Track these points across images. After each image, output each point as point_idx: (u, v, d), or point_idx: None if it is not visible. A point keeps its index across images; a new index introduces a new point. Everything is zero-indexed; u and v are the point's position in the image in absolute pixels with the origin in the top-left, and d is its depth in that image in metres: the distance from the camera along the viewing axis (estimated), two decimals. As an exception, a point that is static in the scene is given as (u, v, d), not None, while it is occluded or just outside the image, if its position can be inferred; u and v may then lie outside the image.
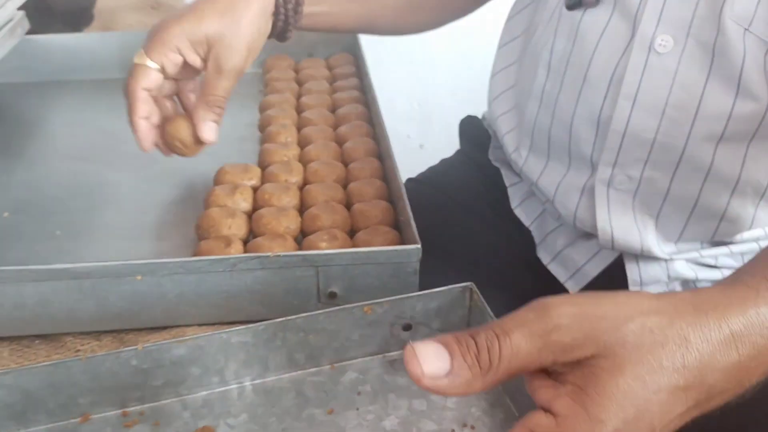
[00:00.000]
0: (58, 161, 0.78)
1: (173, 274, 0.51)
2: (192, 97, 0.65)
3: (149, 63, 0.59)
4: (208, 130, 0.62)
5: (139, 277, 0.51)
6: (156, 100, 0.62)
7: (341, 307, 0.49)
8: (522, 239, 0.75)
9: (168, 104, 0.64)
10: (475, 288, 0.51)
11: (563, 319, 0.32)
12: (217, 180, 0.69)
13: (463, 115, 0.91)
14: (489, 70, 0.80)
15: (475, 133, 0.85)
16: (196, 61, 0.60)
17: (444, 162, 0.91)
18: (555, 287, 0.73)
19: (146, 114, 0.60)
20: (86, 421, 0.47)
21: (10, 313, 0.52)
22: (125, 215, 0.68)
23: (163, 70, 0.60)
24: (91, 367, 0.45)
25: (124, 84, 0.60)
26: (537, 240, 0.74)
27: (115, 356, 0.45)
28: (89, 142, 0.81)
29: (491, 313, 0.49)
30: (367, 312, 0.50)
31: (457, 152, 0.91)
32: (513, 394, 0.48)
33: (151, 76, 0.59)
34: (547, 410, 0.32)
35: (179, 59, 0.60)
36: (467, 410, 0.48)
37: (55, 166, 0.77)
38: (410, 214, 0.56)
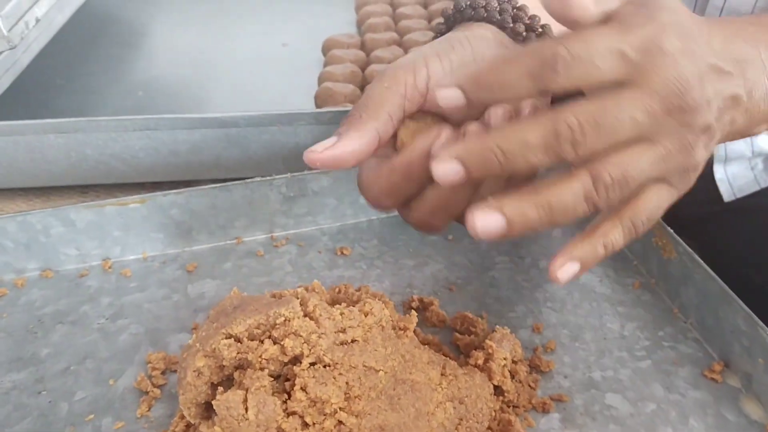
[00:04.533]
0: (174, 53, 0.85)
1: (308, 124, 0.58)
2: None
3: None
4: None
5: (278, 127, 0.58)
6: None
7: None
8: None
9: None
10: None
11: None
12: (325, 48, 0.76)
13: None
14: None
15: None
16: None
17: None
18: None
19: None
20: (240, 243, 0.54)
21: (165, 160, 0.59)
22: (245, 95, 0.75)
23: None
24: (248, 191, 0.52)
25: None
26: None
27: (269, 182, 0.52)
28: (199, 38, 0.88)
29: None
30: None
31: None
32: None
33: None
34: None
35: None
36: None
37: (173, 56, 0.84)
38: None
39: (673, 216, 0.81)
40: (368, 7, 0.87)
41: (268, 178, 0.52)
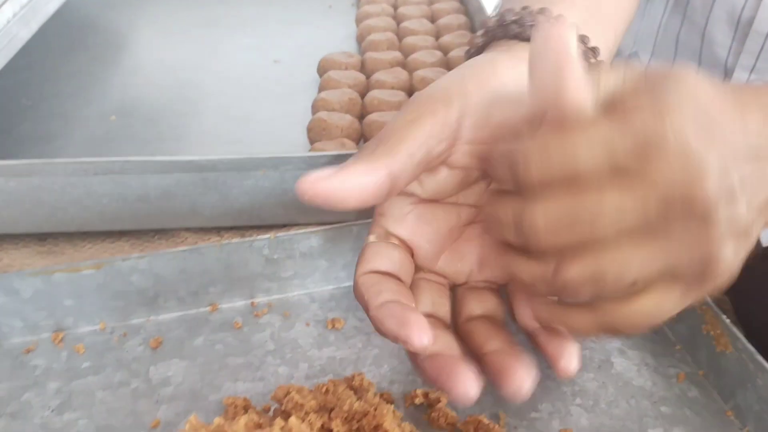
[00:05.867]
0: (155, 71, 0.77)
1: (296, 169, 0.50)
2: None
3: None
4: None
5: (262, 172, 0.50)
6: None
7: (472, 203, 0.48)
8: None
9: None
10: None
11: None
12: (321, 69, 0.68)
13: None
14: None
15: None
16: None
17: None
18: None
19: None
20: (216, 311, 0.46)
21: (133, 206, 0.51)
22: (231, 121, 0.67)
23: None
24: (224, 254, 0.45)
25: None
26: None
27: (248, 244, 0.45)
28: (185, 52, 0.80)
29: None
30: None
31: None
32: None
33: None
34: None
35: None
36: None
37: (153, 75, 0.76)
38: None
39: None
40: (369, 20, 0.79)
41: (248, 239, 0.45)
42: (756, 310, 0.64)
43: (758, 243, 0.68)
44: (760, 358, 0.37)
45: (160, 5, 0.92)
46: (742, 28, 0.56)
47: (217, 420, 0.32)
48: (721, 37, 0.58)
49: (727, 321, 0.39)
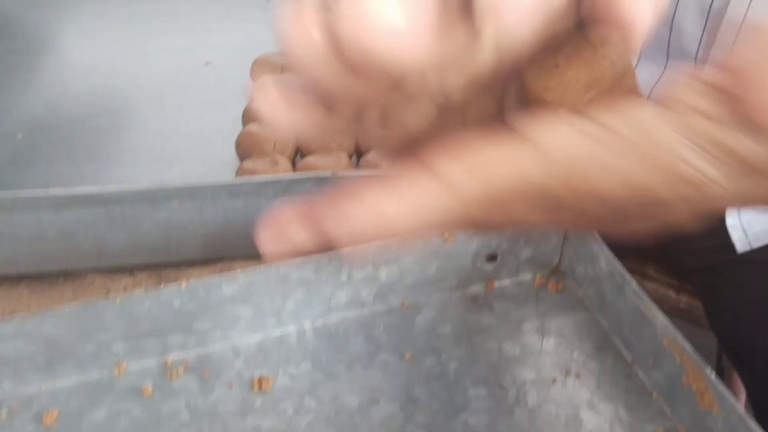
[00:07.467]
0: (74, 78, 0.70)
1: (216, 198, 0.44)
2: None
3: None
4: None
5: (176, 203, 0.43)
6: None
7: (417, 235, 0.41)
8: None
9: None
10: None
11: None
12: (254, 72, 0.61)
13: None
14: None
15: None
16: None
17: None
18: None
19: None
20: (122, 373, 0.40)
21: (29, 247, 0.44)
22: (153, 135, 0.60)
23: None
24: (126, 309, 0.38)
25: None
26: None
27: (154, 296, 0.38)
28: (108, 56, 0.73)
29: (598, 237, 0.41)
30: (448, 240, 0.42)
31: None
32: (624, 334, 0.40)
33: None
34: None
35: None
36: (569, 354, 0.41)
37: (72, 83, 0.69)
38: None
39: (677, 265, 0.68)
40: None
41: (153, 290, 0.38)
42: (730, 319, 0.60)
43: (732, 247, 0.63)
44: (753, 423, 0.31)
45: (88, 4, 0.84)
46: (713, 17, 0.51)
47: None
48: (691, 28, 0.52)
49: (713, 375, 0.33)
